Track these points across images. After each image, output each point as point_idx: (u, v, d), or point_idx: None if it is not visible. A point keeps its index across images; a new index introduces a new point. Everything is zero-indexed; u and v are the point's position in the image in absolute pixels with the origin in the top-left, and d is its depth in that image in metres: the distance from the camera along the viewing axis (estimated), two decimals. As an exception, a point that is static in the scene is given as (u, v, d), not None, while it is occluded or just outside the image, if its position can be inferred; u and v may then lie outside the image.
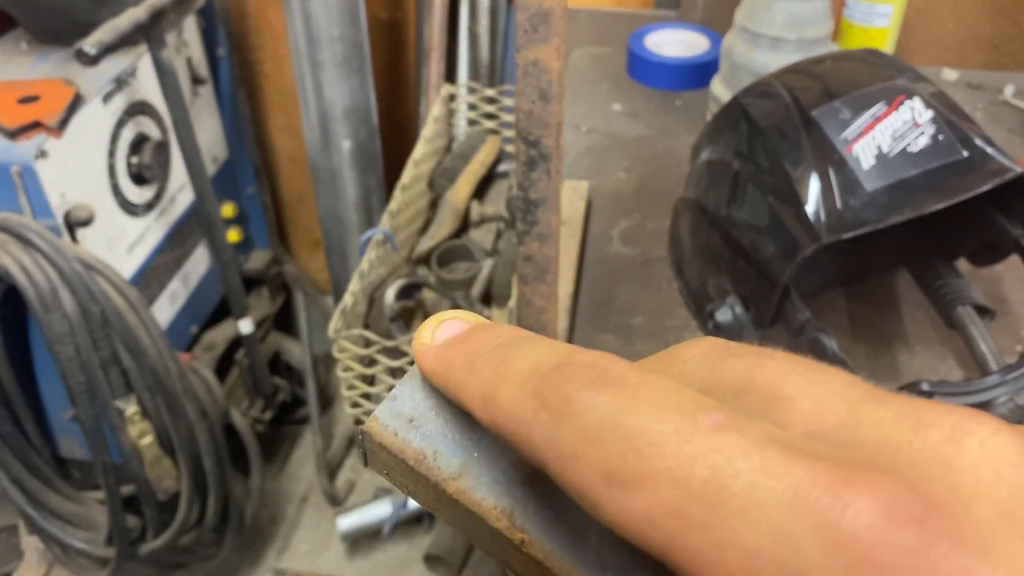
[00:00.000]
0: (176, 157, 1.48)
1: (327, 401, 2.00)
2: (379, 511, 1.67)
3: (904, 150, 0.69)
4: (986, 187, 0.68)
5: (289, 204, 1.90)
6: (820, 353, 0.75)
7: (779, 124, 0.77)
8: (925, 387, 0.69)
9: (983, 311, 0.81)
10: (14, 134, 1.18)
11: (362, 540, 1.76)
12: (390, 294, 1.05)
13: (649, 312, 0.92)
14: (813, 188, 0.71)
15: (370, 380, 1.00)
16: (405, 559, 1.74)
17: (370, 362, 0.99)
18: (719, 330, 0.82)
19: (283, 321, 1.92)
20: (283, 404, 1.85)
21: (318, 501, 1.85)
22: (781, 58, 1.10)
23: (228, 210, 1.71)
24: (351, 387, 0.98)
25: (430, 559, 1.69)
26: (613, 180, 1.11)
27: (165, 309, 1.53)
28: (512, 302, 1.04)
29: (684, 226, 0.93)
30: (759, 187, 0.76)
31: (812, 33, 1.10)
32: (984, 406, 0.69)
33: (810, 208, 0.71)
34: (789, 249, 0.72)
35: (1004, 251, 0.82)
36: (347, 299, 0.98)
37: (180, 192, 1.54)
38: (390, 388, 1.00)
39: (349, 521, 1.68)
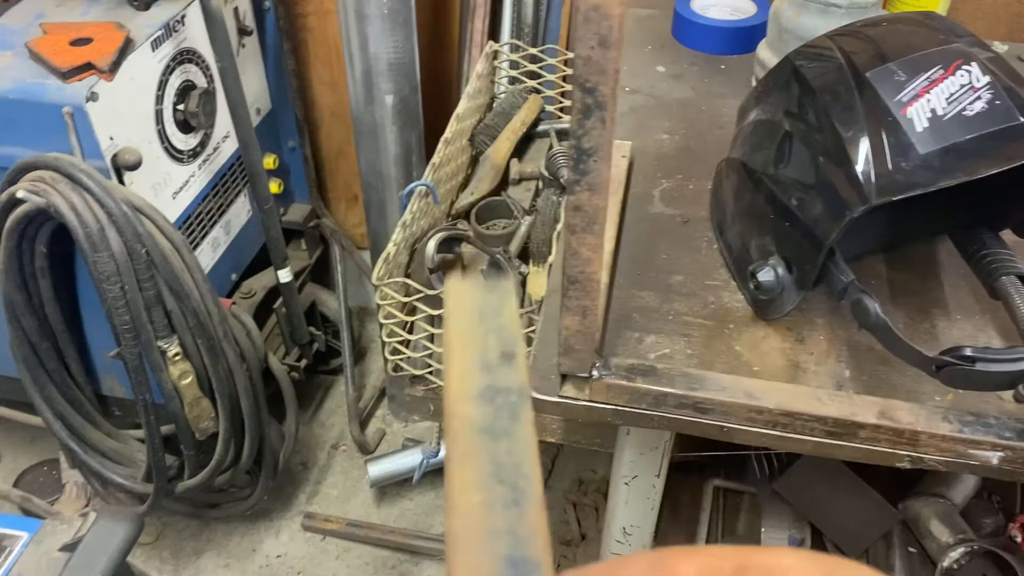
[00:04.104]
0: (221, 106, 1.49)
1: (360, 352, 2.03)
2: (408, 460, 1.71)
3: (959, 114, 0.69)
4: (1040, 154, 0.67)
5: (329, 159, 1.91)
6: (863, 316, 0.75)
7: (832, 85, 0.76)
8: (968, 352, 0.69)
9: (1027, 281, 0.81)
10: (67, 75, 1.20)
11: (390, 488, 1.80)
12: (431, 246, 1.06)
13: (689, 271, 0.92)
14: (865, 149, 0.71)
15: (408, 328, 1.02)
16: (431, 507, 1.78)
17: (410, 311, 1.01)
18: (760, 289, 0.82)
19: (319, 273, 1.94)
20: (317, 354, 1.88)
21: (348, 449, 1.89)
22: (830, 23, 1.08)
23: (270, 161, 1.73)
24: (391, 334, 1.00)
25: (456, 511, 1.73)
26: (656, 141, 1.11)
27: (207, 256, 1.56)
28: (552, 258, 1.05)
29: (727, 187, 0.94)
30: (809, 147, 0.77)
31: (864, -2, 1.09)
32: (1024, 373, 0.70)
33: (861, 168, 0.71)
34: (837, 209, 0.72)
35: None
36: (390, 248, 1.00)
37: (224, 141, 1.56)
38: (429, 337, 1.02)
39: (379, 468, 1.71)
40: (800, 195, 0.77)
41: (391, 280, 0.96)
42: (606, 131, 0.61)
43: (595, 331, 0.75)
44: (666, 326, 0.86)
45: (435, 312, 0.95)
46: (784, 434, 0.76)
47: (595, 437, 1.10)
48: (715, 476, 1.27)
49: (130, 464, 1.53)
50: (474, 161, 1.33)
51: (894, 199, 0.69)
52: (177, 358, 1.32)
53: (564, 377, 0.79)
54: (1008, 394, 0.72)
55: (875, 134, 0.72)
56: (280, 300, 1.71)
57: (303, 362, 1.79)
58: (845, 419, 0.74)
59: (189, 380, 1.35)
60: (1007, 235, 0.87)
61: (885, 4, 1.17)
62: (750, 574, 0.23)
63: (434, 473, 1.78)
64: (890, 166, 0.70)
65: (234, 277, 1.69)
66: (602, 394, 0.78)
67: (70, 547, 0.70)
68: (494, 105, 1.39)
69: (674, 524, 1.21)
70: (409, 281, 0.95)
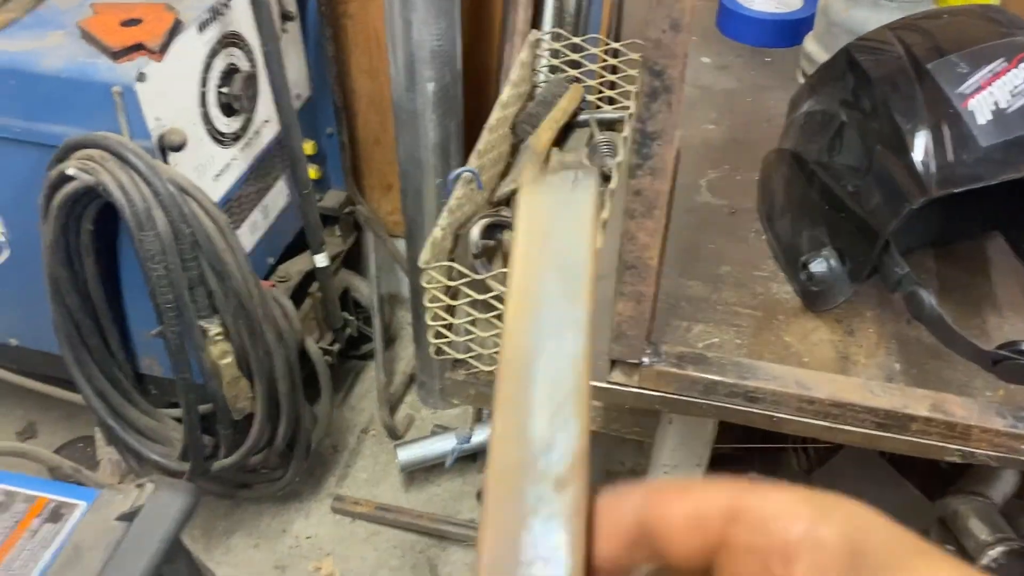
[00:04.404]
0: (262, 91, 1.50)
1: (390, 339, 2.04)
2: (439, 445, 1.72)
3: (1023, 107, 0.69)
4: (1105, 148, 0.67)
5: (365, 146, 1.92)
6: (917, 308, 0.75)
7: (891, 76, 0.76)
8: None
9: (1082, 278, 0.81)
10: (117, 55, 1.21)
11: (418, 473, 1.81)
12: (475, 231, 1.07)
13: (736, 262, 0.92)
14: (925, 140, 0.71)
15: (451, 312, 1.02)
16: (459, 494, 1.79)
17: (453, 295, 1.02)
18: (812, 280, 0.82)
19: (352, 260, 1.96)
20: (349, 339, 1.89)
21: (378, 434, 1.90)
22: (881, 17, 1.08)
23: (308, 147, 1.74)
24: (435, 318, 1.01)
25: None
26: (701, 131, 1.11)
27: (245, 238, 1.58)
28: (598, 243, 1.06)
29: (777, 178, 0.93)
30: (866, 137, 0.76)
31: (916, -8, 1.08)
32: (1082, 369, 0.69)
33: (920, 159, 0.70)
34: (895, 201, 0.72)
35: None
36: (436, 233, 1.00)
37: (265, 126, 1.57)
38: (472, 321, 1.03)
39: (409, 453, 1.72)
40: (856, 186, 0.77)
41: (438, 264, 0.96)
42: (672, 115, 0.61)
43: (647, 318, 0.75)
44: (715, 315, 0.86)
45: (479, 296, 0.95)
46: (834, 425, 0.76)
47: (635, 426, 1.10)
48: (750, 468, 1.27)
49: (166, 442, 1.55)
50: (515, 149, 1.33)
51: (955, 191, 0.69)
52: (218, 338, 1.34)
53: (613, 363, 0.79)
54: (1064, 390, 0.72)
55: (936, 126, 0.71)
56: (316, 284, 1.73)
57: (336, 346, 1.81)
58: (897, 411, 0.74)
59: (228, 360, 1.37)
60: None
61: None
62: (740, 524, 0.23)
63: (462, 460, 1.79)
64: (951, 158, 0.70)
65: (270, 261, 1.70)
66: (651, 381, 0.79)
67: (127, 517, 0.71)
68: (535, 94, 1.39)
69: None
70: (456, 265, 0.95)
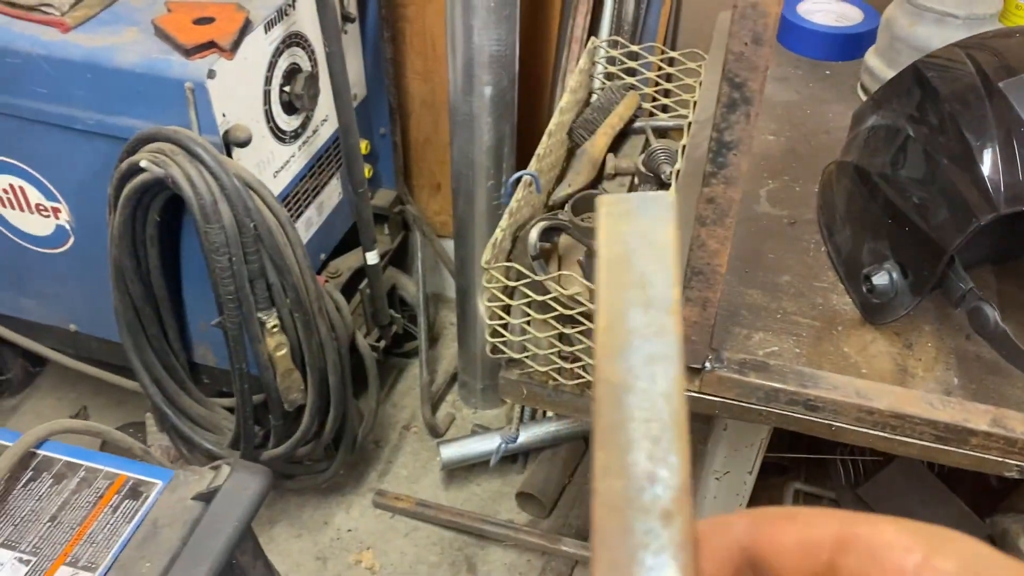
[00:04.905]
0: (322, 90, 1.54)
1: (433, 338, 2.07)
2: (481, 445, 1.74)
3: (1097, 127, 0.69)
4: None
5: (416, 147, 1.95)
6: (981, 324, 0.76)
7: (961, 93, 0.77)
8: (1089, 364, 0.69)
9: None
10: (190, 52, 1.25)
11: (458, 472, 1.83)
12: (534, 234, 1.09)
13: (796, 272, 0.93)
14: (994, 157, 0.72)
15: (507, 312, 1.05)
16: (498, 494, 1.81)
17: (510, 295, 1.04)
18: (874, 293, 0.83)
19: (399, 258, 1.99)
20: (394, 336, 1.92)
21: (419, 431, 1.93)
22: (946, 34, 1.08)
23: (362, 146, 1.78)
24: (493, 316, 1.03)
25: (522, 496, 1.76)
26: (762, 142, 1.12)
27: (301, 234, 1.61)
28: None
29: (839, 190, 0.94)
30: (933, 153, 0.77)
31: (981, 10, 1.09)
32: None
33: (990, 175, 0.71)
34: (962, 216, 0.73)
35: None
36: (497, 234, 1.02)
37: (323, 124, 1.60)
38: (528, 321, 1.05)
39: (451, 451, 1.75)
40: (921, 199, 0.78)
41: (498, 264, 0.99)
42: (749, 126, 0.62)
43: (711, 324, 0.77)
44: (774, 324, 0.87)
45: (537, 297, 0.98)
46: (893, 436, 0.77)
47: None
48: (796, 479, 1.27)
49: (216, 431, 1.59)
50: (571, 154, 1.35)
51: (1022, 209, 0.70)
52: (275, 330, 1.37)
53: (675, 366, 0.81)
54: None
55: (1006, 143, 0.72)
56: (365, 281, 1.76)
57: (383, 343, 1.84)
58: (957, 425, 0.75)
59: (283, 352, 1.40)
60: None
61: (1001, 17, 1.16)
62: (851, 554, 0.23)
63: (502, 460, 1.81)
64: (1021, 176, 0.70)
65: (323, 257, 1.74)
66: (713, 386, 0.80)
67: (204, 496, 0.74)
68: (592, 100, 1.41)
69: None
70: (516, 265, 0.97)
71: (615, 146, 1.38)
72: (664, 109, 1.43)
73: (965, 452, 0.76)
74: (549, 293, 1.02)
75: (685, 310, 0.75)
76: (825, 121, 1.16)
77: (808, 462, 1.28)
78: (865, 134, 0.90)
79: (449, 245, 1.88)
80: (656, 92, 1.43)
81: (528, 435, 1.77)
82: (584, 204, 1.26)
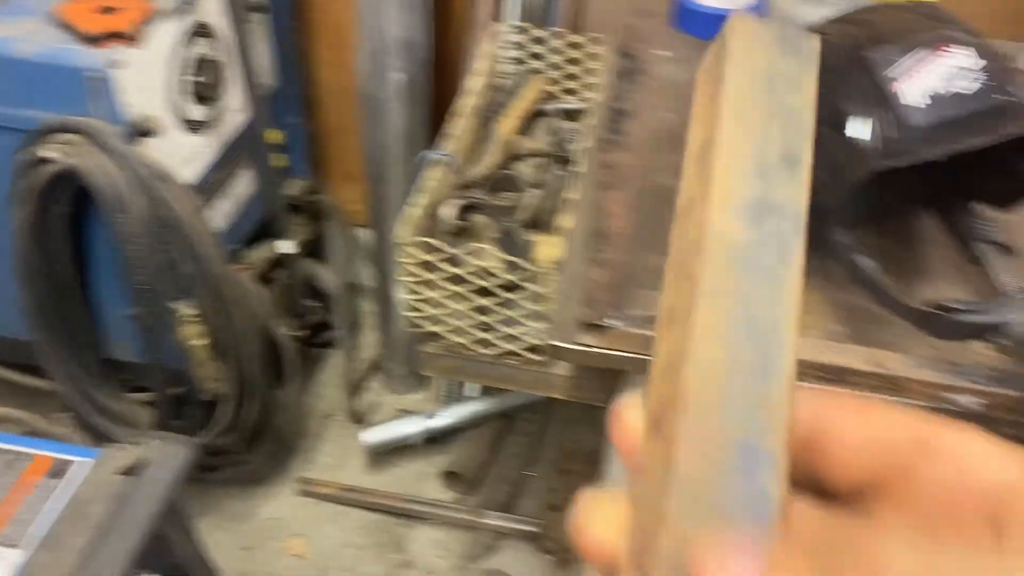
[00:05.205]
0: (231, 80, 1.54)
1: (354, 327, 2.08)
2: (403, 427, 1.77)
3: (951, 92, 0.77)
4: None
5: (328, 136, 1.96)
6: (857, 274, 0.83)
7: (831, 63, 0.84)
8: (950, 304, 0.77)
9: (1003, 248, 0.90)
10: (93, 41, 1.24)
11: (381, 456, 1.86)
12: (448, 211, 1.12)
13: (694, 237, 1.00)
14: (864, 121, 0.79)
15: (425, 288, 1.08)
16: (422, 475, 1.84)
17: (426, 267, 1.08)
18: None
19: (314, 248, 1.99)
20: (312, 327, 1.93)
21: (341, 419, 1.94)
22: (823, 12, 1.16)
23: (275, 136, 1.78)
24: (410, 292, 1.06)
25: (447, 475, 1.79)
26: (661, 120, 1.18)
27: (213, 224, 1.60)
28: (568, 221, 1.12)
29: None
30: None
31: (856, -10, 1.17)
32: (1001, 326, 0.78)
33: (860, 139, 0.78)
34: (838, 177, 0.80)
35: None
36: (412, 211, 1.06)
37: (232, 114, 1.60)
38: (447, 295, 1.09)
39: (374, 434, 1.77)
40: (803, 164, 0.85)
41: (412, 239, 1.02)
42: (640, 94, 0.67)
43: (615, 283, 0.82)
44: (674, 285, 0.93)
45: (451, 270, 1.01)
46: (784, 380, 0.84)
47: (600, 392, 1.17)
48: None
49: (135, 425, 1.57)
50: (481, 138, 1.39)
51: (892, 166, 0.77)
52: (190, 320, 1.37)
53: (584, 326, 0.86)
54: (983, 344, 0.80)
55: (873, 108, 0.79)
56: (281, 271, 1.76)
57: (302, 333, 1.84)
58: (838, 366, 0.82)
59: (200, 341, 1.40)
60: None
61: (873, -2, 1.25)
62: (934, 462, 0.21)
63: (427, 442, 1.84)
64: (888, 137, 0.78)
65: (235, 247, 1.73)
66: (618, 342, 0.85)
67: (130, 470, 0.75)
68: (501, 84, 1.45)
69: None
70: (431, 240, 1.01)
71: (525, 128, 1.43)
72: (572, 92, 1.48)
73: (847, 391, 0.84)
74: (465, 266, 1.06)
75: (590, 271, 0.80)
76: (719, 98, 1.22)
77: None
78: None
79: (365, 234, 1.90)
80: (563, 76, 1.48)
81: (451, 416, 1.81)
82: (496, 185, 1.31)
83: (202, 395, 1.47)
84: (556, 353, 0.87)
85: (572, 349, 0.86)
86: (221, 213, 1.64)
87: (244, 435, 1.59)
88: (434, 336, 1.14)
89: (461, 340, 1.11)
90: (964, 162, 0.93)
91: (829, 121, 0.82)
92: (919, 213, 1.03)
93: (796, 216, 0.22)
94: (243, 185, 1.70)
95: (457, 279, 1.08)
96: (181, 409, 1.53)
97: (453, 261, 1.05)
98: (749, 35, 0.23)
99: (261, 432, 1.65)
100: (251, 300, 1.51)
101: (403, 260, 1.04)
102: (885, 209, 1.00)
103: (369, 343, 2.09)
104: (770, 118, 0.22)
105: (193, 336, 1.39)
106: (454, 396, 1.88)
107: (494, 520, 1.72)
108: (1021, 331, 0.77)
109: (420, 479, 1.85)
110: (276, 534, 1.74)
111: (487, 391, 1.85)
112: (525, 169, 1.34)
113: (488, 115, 1.38)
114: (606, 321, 0.85)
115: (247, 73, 1.46)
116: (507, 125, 1.37)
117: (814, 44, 0.24)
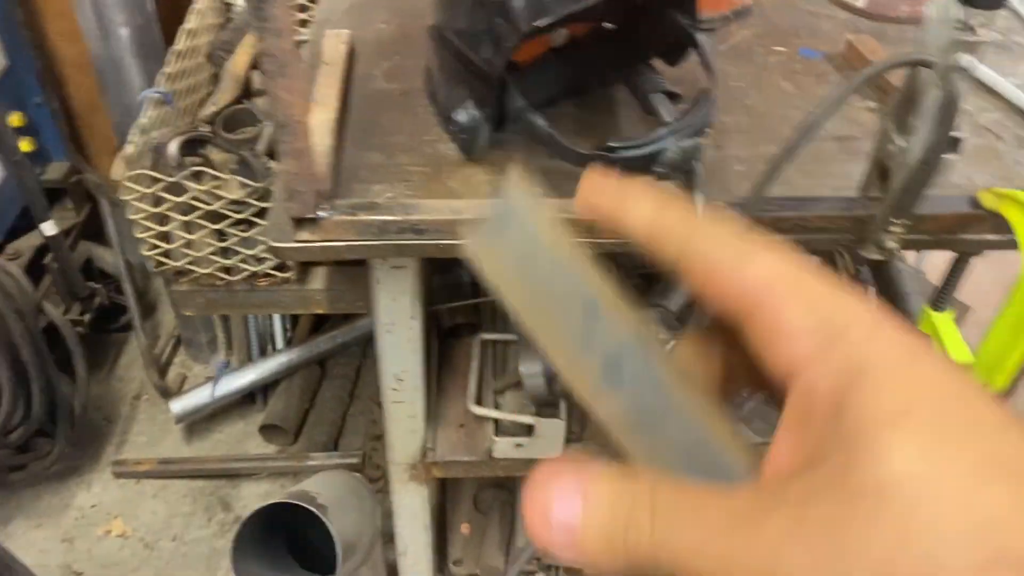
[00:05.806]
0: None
1: (149, 305, 2.03)
2: (210, 390, 1.76)
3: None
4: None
5: (81, 113, 1.89)
6: (535, 132, 0.90)
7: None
8: (613, 143, 0.86)
9: (672, 95, 0.99)
10: None
11: (198, 425, 1.84)
12: (173, 147, 1.12)
13: (409, 132, 1.04)
14: (510, -12, 0.85)
15: (161, 220, 1.08)
16: (242, 434, 1.84)
17: (156, 202, 1.08)
18: (461, 130, 0.96)
19: (92, 231, 1.92)
20: (103, 310, 1.87)
21: (152, 397, 1.90)
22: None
23: (16, 119, 1.70)
24: (145, 230, 1.06)
25: (266, 429, 1.80)
26: (375, 30, 1.22)
27: (-42, 215, 1.53)
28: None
29: (431, 54, 1.06)
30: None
31: None
32: (658, 154, 0.87)
33: (515, 4, 0.85)
34: (498, 44, 0.86)
35: (685, 47, 1.00)
36: (128, 149, 1.05)
37: (-43, 97, 1.52)
38: (182, 226, 1.09)
39: (181, 404, 1.75)
40: (472, 41, 0.90)
41: (133, 174, 1.02)
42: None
43: (316, 174, 0.86)
44: (390, 176, 0.97)
45: (179, 199, 1.02)
46: (490, 241, 0.91)
47: (357, 300, 1.22)
48: (483, 332, 1.41)
49: (-89, 438, 1.49)
50: (215, 79, 1.39)
51: (538, 26, 0.84)
52: (-61, 310, 1.31)
53: (298, 223, 0.89)
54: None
55: (519, -24, 0.86)
56: (50, 255, 1.70)
57: (87, 316, 1.79)
58: (535, 219, 0.89)
59: (-43, 332, 1.34)
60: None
61: None
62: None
63: (241, 402, 1.84)
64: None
65: (-4, 239, 1.66)
66: (333, 232, 0.89)
67: None
68: (229, 23, 1.44)
69: (451, 377, 1.36)
70: (150, 172, 1.01)
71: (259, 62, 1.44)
72: (304, 24, 1.50)
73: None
74: (188, 191, 1.07)
75: (284, 163, 0.83)
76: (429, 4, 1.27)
77: (495, 315, 1.43)
78: (436, -2, 1.02)
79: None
80: (296, 8, 1.49)
81: (261, 370, 1.81)
82: (234, 120, 1.31)
83: (-24, 390, 1.42)
84: (278, 253, 0.90)
85: (291, 247, 0.90)
86: (-33, 203, 1.56)
87: (36, 425, 1.54)
88: (182, 273, 1.15)
89: (207, 271, 1.12)
90: (636, 26, 1.02)
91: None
92: (612, 82, 1.12)
93: (638, 338, 0.23)
94: (-11, 173, 1.62)
95: (188, 209, 1.09)
96: (-41, 410, 1.46)
97: (177, 190, 1.06)
98: (483, 243, 0.24)
99: (57, 421, 1.60)
100: (12, 286, 1.45)
101: (127, 197, 1.03)
102: (577, 82, 1.08)
103: (169, 319, 2.05)
104: (549, 298, 0.23)
105: (-52, 328, 1.33)
106: (262, 352, 1.88)
107: (317, 461, 1.75)
108: (674, 156, 0.87)
109: (241, 440, 1.85)
110: (96, 520, 1.70)
111: (291, 344, 1.86)
112: (262, 104, 1.35)
113: (219, 53, 1.38)
114: (318, 214, 0.88)
115: (-42, 49, 1.39)
116: (239, 61, 1.37)
117: (526, 202, 0.25)
